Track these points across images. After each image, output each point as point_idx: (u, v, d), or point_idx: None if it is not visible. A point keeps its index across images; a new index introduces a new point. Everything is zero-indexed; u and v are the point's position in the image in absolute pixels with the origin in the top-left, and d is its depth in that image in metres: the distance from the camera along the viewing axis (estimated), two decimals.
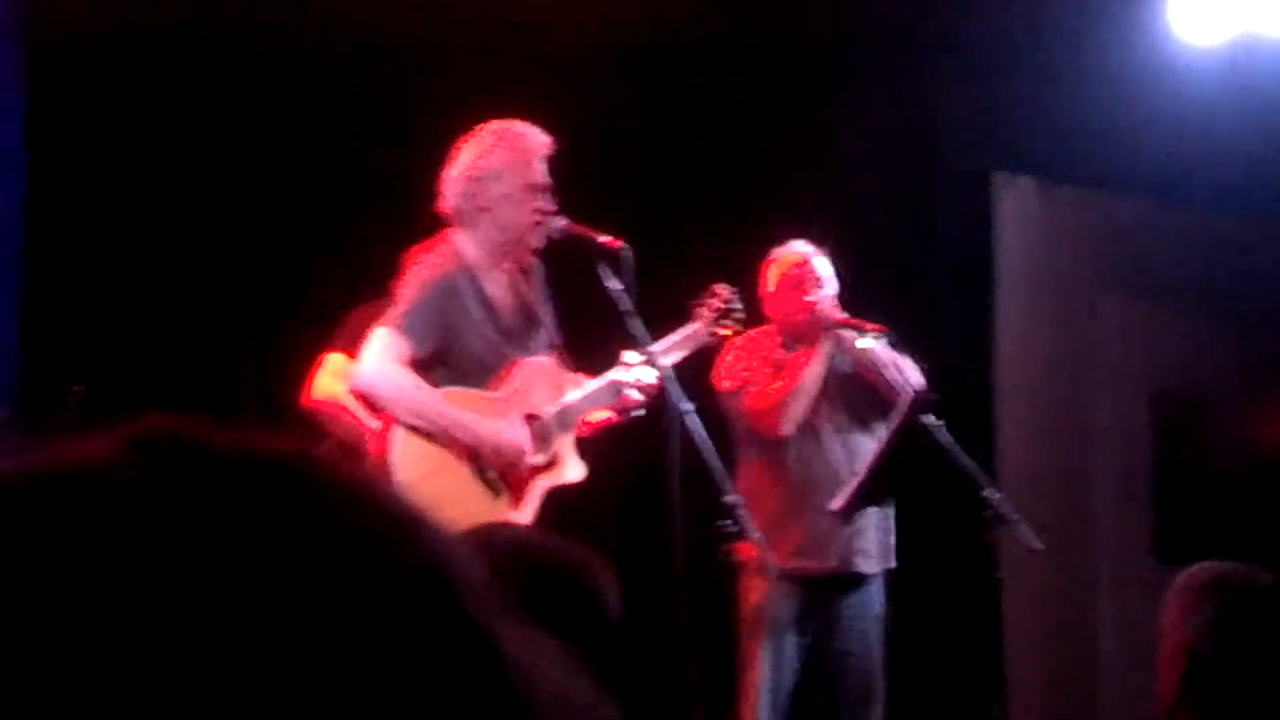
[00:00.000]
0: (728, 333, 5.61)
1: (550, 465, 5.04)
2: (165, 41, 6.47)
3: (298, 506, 0.76)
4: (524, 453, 4.94)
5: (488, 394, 4.96)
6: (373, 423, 4.95)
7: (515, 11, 6.78)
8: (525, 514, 4.96)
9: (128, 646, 0.70)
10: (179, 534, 0.73)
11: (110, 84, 6.47)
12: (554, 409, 5.03)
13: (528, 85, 5.92)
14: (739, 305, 5.59)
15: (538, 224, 4.98)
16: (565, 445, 5.07)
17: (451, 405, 4.90)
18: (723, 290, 5.57)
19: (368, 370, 4.79)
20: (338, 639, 0.73)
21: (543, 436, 5.03)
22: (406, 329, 4.81)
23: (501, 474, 4.95)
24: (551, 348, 5.15)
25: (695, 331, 5.45)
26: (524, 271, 5.12)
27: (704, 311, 5.49)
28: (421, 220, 5.15)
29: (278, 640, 0.72)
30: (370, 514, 0.78)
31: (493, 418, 4.93)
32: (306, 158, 6.66)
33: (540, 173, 4.99)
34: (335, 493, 0.78)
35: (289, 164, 6.64)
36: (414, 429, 4.83)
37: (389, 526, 0.78)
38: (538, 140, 5.00)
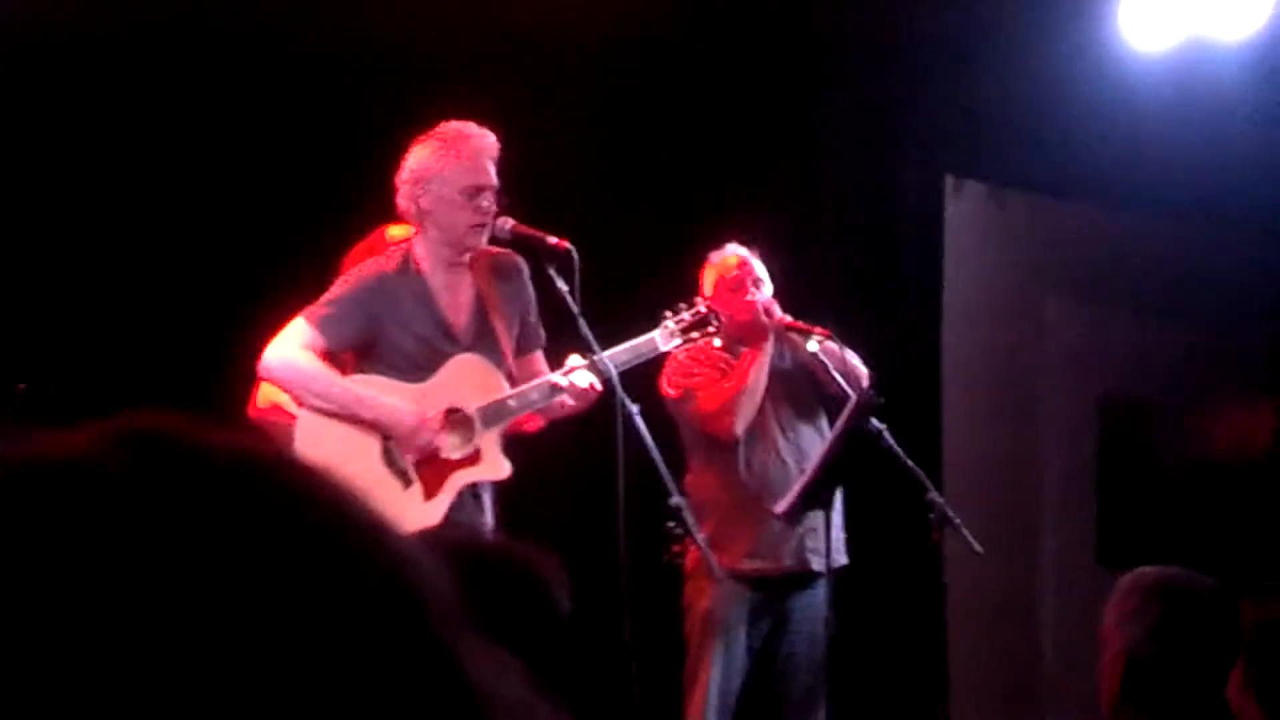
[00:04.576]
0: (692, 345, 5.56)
1: (470, 461, 5.01)
2: (117, 33, 6.40)
3: (277, 509, 0.77)
4: (413, 431, 4.91)
5: (403, 384, 4.96)
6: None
7: (474, 13, 6.75)
8: (438, 507, 4.94)
9: (101, 632, 0.71)
10: (160, 529, 0.74)
11: (57, 76, 6.40)
12: (480, 405, 5.01)
13: (491, 87, 5.91)
14: (714, 322, 5.43)
15: (477, 225, 4.97)
16: (489, 443, 5.03)
17: (350, 383, 4.93)
18: (699, 305, 5.44)
19: (269, 354, 4.88)
20: (301, 641, 0.74)
21: (463, 431, 5.01)
22: (321, 321, 4.89)
23: (415, 464, 4.94)
24: (508, 358, 5.11)
25: (652, 341, 5.30)
26: (496, 275, 5.10)
27: (670, 323, 5.36)
28: (363, 227, 5.15)
29: (243, 639, 0.73)
30: (344, 521, 0.79)
31: (395, 399, 4.94)
32: (255, 161, 6.61)
33: (484, 173, 4.97)
34: (313, 497, 0.79)
35: (237, 167, 6.59)
36: (317, 411, 4.88)
37: (361, 534, 0.79)
38: (482, 142, 4.99)
